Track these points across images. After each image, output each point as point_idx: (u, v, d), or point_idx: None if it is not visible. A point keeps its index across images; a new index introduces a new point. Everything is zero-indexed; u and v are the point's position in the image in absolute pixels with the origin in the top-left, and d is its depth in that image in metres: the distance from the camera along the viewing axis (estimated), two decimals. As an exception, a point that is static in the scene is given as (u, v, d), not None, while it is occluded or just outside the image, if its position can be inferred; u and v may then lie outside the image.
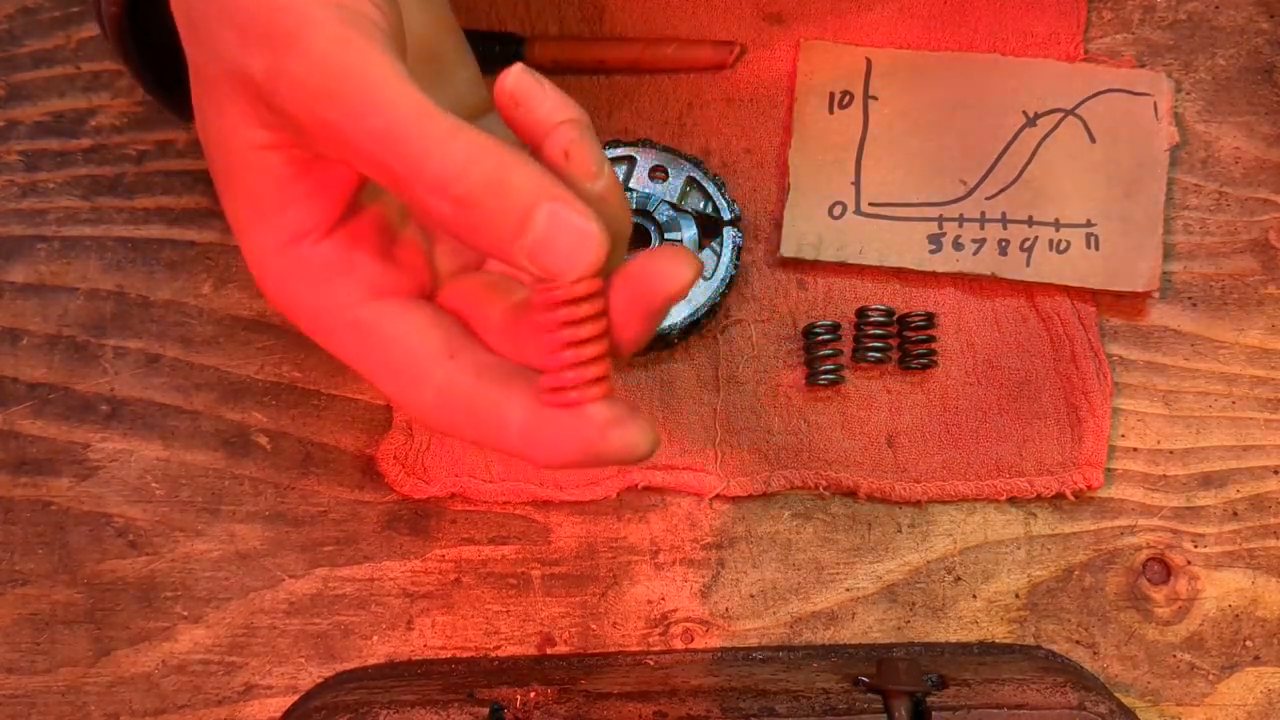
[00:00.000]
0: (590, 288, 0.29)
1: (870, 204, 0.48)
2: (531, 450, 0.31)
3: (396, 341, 0.32)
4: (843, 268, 0.49)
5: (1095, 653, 0.47)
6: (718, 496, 0.47)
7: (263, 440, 0.47)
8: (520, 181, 0.29)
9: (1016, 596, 0.48)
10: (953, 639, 0.47)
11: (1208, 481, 0.48)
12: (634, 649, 0.47)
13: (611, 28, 0.49)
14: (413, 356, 0.32)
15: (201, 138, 0.33)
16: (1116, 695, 0.46)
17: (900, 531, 0.48)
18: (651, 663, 0.46)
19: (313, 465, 0.47)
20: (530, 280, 0.30)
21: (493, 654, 0.47)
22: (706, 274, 0.47)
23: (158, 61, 0.40)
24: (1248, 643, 0.48)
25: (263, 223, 0.32)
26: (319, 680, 0.46)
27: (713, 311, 0.47)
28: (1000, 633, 0.48)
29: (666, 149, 0.47)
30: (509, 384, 0.31)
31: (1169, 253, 0.49)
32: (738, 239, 0.47)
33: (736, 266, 0.47)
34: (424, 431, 0.47)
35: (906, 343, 0.48)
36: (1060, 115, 0.49)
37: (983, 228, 0.48)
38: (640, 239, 0.47)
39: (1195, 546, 0.48)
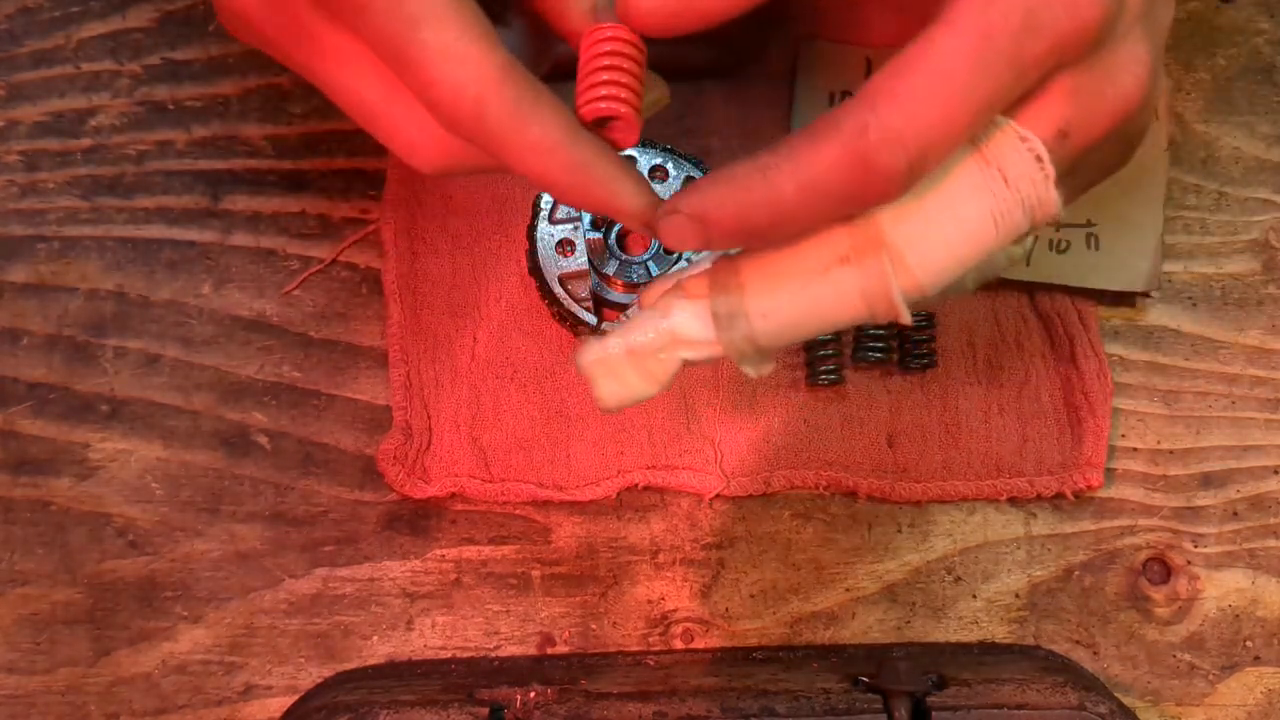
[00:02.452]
0: (632, 35, 0.33)
1: (870, 204, 0.48)
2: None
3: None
4: (843, 268, 0.48)
5: (1095, 653, 0.47)
6: (718, 496, 0.47)
7: (263, 440, 0.47)
8: None
9: (1016, 596, 0.48)
10: (953, 639, 0.47)
11: (1208, 481, 0.48)
12: (634, 649, 0.47)
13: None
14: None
15: None
16: (1117, 695, 0.46)
17: (900, 531, 0.48)
18: (651, 663, 0.46)
19: (313, 465, 0.47)
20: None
21: (493, 654, 0.47)
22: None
23: None
24: (1248, 643, 0.48)
25: None
26: (319, 680, 0.46)
27: (713, 311, 0.47)
28: (1000, 633, 0.48)
29: (667, 149, 0.47)
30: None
31: (1169, 253, 0.49)
32: (738, 239, 0.47)
33: (736, 266, 0.47)
34: (424, 432, 0.47)
35: (906, 343, 0.48)
36: (1060, 115, 0.48)
37: (983, 228, 0.48)
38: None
39: (1195, 546, 0.48)
